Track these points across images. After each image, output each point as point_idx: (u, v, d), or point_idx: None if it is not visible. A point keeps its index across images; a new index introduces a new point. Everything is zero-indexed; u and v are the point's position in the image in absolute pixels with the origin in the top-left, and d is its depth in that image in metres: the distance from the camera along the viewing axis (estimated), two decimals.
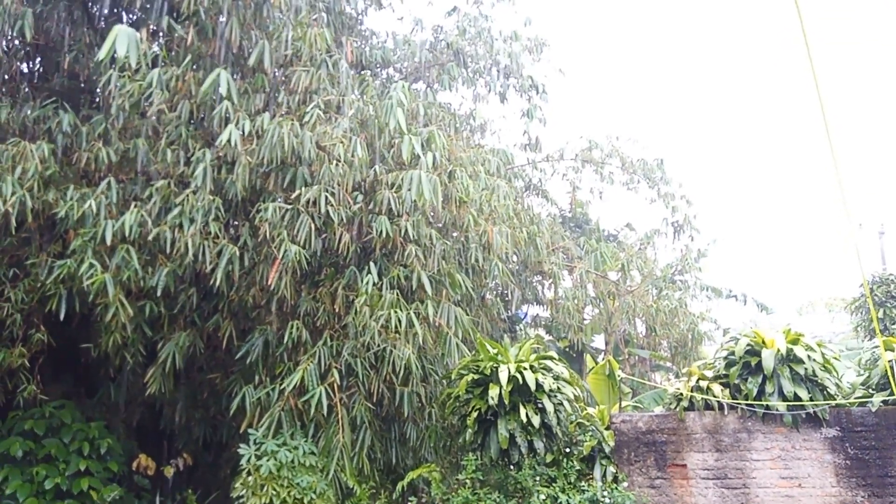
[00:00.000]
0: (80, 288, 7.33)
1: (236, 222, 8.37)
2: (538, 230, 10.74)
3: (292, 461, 7.71)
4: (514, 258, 10.66)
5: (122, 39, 6.41)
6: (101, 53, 6.39)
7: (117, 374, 9.02)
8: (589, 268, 11.61)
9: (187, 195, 7.42)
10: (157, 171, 7.81)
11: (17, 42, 8.84)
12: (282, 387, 7.86)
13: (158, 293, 7.52)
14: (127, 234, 7.17)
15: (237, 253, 7.65)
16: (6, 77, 8.96)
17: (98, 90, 8.68)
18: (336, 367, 7.96)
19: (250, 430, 7.89)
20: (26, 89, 9.00)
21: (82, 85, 9.25)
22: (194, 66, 8.18)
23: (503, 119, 12.19)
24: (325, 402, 7.70)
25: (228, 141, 7.31)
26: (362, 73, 10.15)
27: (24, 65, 9.53)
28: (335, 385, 7.93)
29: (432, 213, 8.62)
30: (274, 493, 7.59)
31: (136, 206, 7.34)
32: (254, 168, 7.82)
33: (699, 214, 13.12)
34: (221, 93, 7.51)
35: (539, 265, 11.05)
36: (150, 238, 7.32)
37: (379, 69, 11.25)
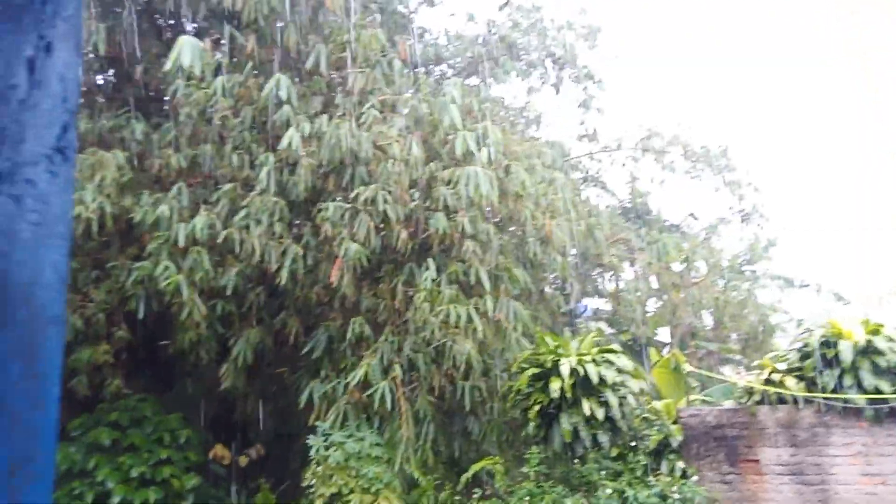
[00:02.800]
0: (156, 288, 7.73)
1: (298, 222, 8.63)
2: (597, 222, 10.58)
3: (359, 452, 7.90)
4: (573, 251, 10.54)
5: (187, 50, 6.71)
6: (168, 64, 6.71)
7: (193, 370, 9.46)
8: (651, 259, 11.34)
9: (253, 198, 7.70)
10: (223, 175, 8.14)
11: (91, 55, 9.39)
12: (346, 381, 8.05)
13: (229, 292, 7.84)
14: (198, 236, 7.51)
15: (301, 252, 7.89)
16: (84, 89, 9.52)
17: (167, 99, 9.11)
18: (398, 362, 8.10)
19: (318, 423, 8.13)
20: (101, 100, 9.53)
21: (152, 94, 9.73)
22: (255, 73, 8.47)
23: (558, 110, 12.07)
24: (388, 396, 7.85)
25: (290, 144, 7.54)
26: (416, 71, 10.25)
27: (99, 77, 10.10)
28: (397, 379, 8.07)
29: (489, 209, 8.63)
30: (342, 482, 7.79)
31: (205, 210, 7.68)
32: (314, 169, 8.04)
33: (767, 202, 12.61)
34: (281, 97, 7.76)
35: (599, 258, 10.88)
36: (219, 240, 7.64)
37: (432, 66, 11.32)
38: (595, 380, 7.78)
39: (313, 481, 7.95)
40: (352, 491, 7.86)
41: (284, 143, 7.49)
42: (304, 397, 8.31)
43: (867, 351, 7.69)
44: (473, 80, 11.16)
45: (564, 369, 7.78)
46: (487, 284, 8.05)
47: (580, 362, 7.91)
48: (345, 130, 7.72)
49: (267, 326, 8.75)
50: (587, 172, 12.84)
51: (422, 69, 9.53)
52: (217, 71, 8.13)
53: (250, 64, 8.34)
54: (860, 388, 7.61)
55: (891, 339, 7.74)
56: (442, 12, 11.86)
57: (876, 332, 7.84)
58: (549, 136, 11.62)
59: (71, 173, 0.87)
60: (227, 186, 7.93)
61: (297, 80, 8.80)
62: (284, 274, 7.73)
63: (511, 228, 9.26)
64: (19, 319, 0.79)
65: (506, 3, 11.85)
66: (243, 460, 9.85)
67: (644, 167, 12.98)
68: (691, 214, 14.11)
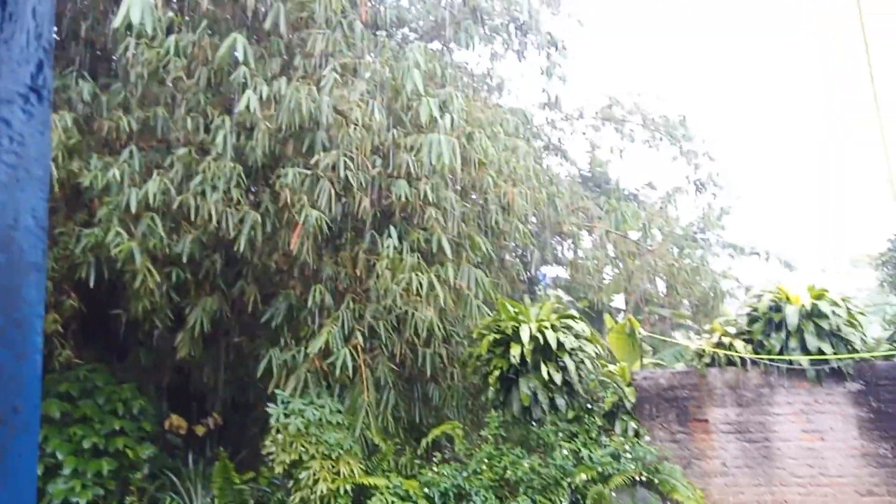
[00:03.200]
0: (107, 256, 7.49)
1: (256, 188, 8.45)
2: (558, 191, 10.68)
3: (319, 419, 7.93)
4: (534, 219, 10.64)
5: (137, 6, 6.39)
6: (117, 21, 6.38)
7: (147, 339, 9.26)
8: (609, 228, 11.55)
9: (209, 162, 7.48)
10: (177, 138, 7.87)
11: None
12: (307, 349, 8.02)
13: (184, 260, 7.66)
14: (151, 202, 7.27)
15: (259, 219, 7.74)
16: None
17: (116, 58, 8.70)
18: (359, 330, 8.10)
19: (277, 391, 8.10)
20: None
21: (100, 53, 9.28)
22: (210, 32, 8.14)
23: (521, 78, 12.02)
24: (349, 364, 7.86)
25: (247, 107, 7.32)
26: (377, 34, 10.03)
27: None
28: (359, 347, 8.08)
29: (451, 176, 8.61)
30: (303, 449, 7.82)
31: (158, 175, 7.43)
32: (272, 134, 7.83)
33: (722, 171, 12.92)
34: (238, 58, 7.49)
35: (558, 226, 11.02)
36: (173, 206, 7.42)
37: (394, 29, 11.09)
38: (554, 345, 7.95)
39: (273, 449, 7.95)
40: (312, 457, 7.90)
41: (241, 105, 7.27)
42: (262, 366, 8.24)
43: (812, 315, 8.05)
44: (436, 45, 11.00)
45: (524, 335, 7.91)
46: (449, 252, 8.07)
47: (540, 328, 8.06)
48: (304, 94, 7.53)
49: (224, 294, 8.60)
50: (549, 141, 12.90)
51: (383, 32, 9.31)
52: (169, 29, 7.78)
53: (205, 22, 8.00)
54: (804, 350, 7.99)
55: (834, 304, 8.12)
56: None
57: (820, 297, 8.20)
58: (511, 103, 11.60)
59: (47, 115, 0.84)
60: (182, 150, 7.67)
61: (254, 40, 8.51)
62: (242, 241, 7.58)
63: (473, 196, 9.27)
64: None
65: None
66: (200, 429, 9.76)
67: (604, 136, 13.12)
68: (649, 184, 14.39)
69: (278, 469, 7.90)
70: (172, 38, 7.50)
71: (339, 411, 8.10)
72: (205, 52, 7.90)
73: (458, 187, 8.84)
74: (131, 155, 7.55)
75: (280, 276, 8.48)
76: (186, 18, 8.32)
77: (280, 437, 7.92)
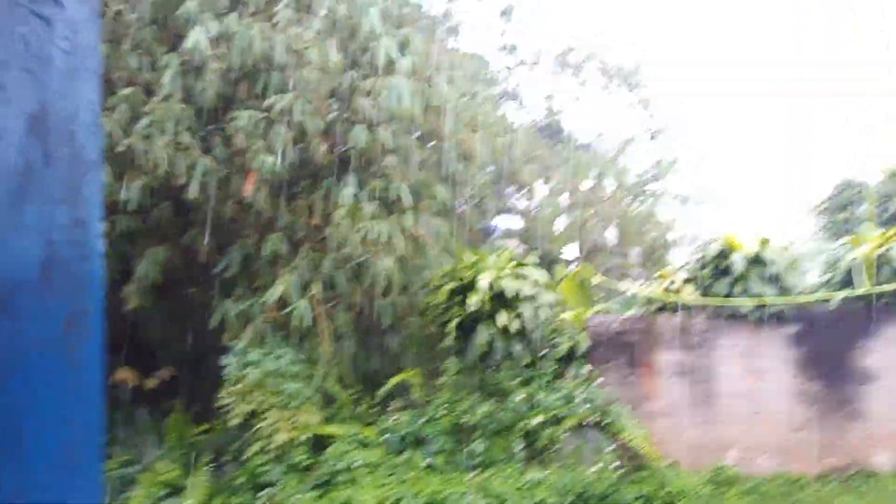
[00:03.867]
0: None
1: (208, 132, 8.05)
2: (515, 139, 10.65)
3: (277, 370, 7.86)
4: (491, 168, 10.60)
5: None
6: None
7: None
8: (564, 177, 11.64)
9: (156, 104, 7.07)
10: (121, 78, 7.37)
11: None
12: (263, 299, 7.87)
13: (131, 207, 7.30)
14: None
15: (211, 164, 7.42)
16: None
17: None
18: (317, 280, 7.98)
19: (233, 343, 7.96)
20: None
21: None
22: None
23: (478, 20, 11.78)
24: (307, 314, 7.76)
25: (195, 45, 6.91)
26: None
27: None
28: (316, 297, 7.98)
29: (410, 122, 8.43)
30: (260, 399, 7.76)
31: (103, 115, 6.96)
32: (224, 74, 7.45)
33: (676, 119, 13.12)
34: None
35: (515, 175, 11.03)
36: (118, 150, 7.01)
37: None
38: (511, 293, 8.05)
39: (230, 400, 7.86)
40: (270, 408, 7.85)
41: (189, 43, 6.85)
42: (217, 317, 8.06)
43: (756, 261, 8.40)
44: None
45: (483, 283, 7.97)
46: (408, 200, 7.97)
47: (498, 277, 8.13)
48: (256, 31, 7.15)
49: (175, 244, 8.29)
50: (505, 87, 12.77)
51: None
52: None
53: None
54: (748, 294, 8.35)
55: (777, 251, 8.48)
56: None
57: (765, 243, 8.55)
58: (468, 47, 11.36)
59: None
60: (127, 91, 7.20)
61: None
62: (194, 187, 7.27)
63: (432, 143, 9.13)
64: (61, 158, 0.74)
65: None
66: (151, 383, 9.54)
67: (560, 83, 13.06)
68: (602, 134, 14.52)
69: (235, 420, 7.83)
70: None
71: (297, 362, 8.04)
72: None
73: (418, 134, 8.69)
74: None
75: (234, 225, 8.21)
76: None
77: (237, 388, 7.82)
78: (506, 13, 10.80)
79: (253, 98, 7.60)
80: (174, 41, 7.51)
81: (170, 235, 8.16)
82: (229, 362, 7.87)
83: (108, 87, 7.40)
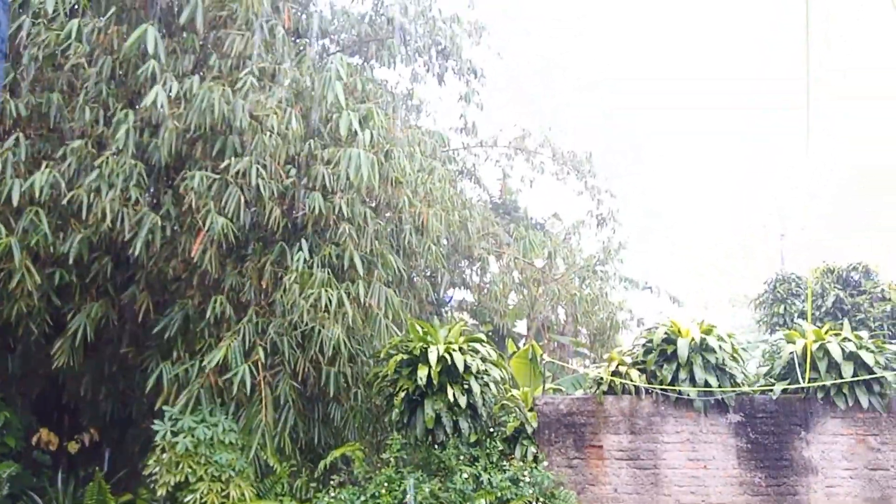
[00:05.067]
0: None
1: (158, 189, 7.93)
2: (470, 215, 10.81)
3: (211, 438, 7.48)
4: (445, 241, 10.69)
5: None
6: None
7: (18, 345, 8.39)
8: (517, 254, 11.80)
9: (107, 157, 6.94)
10: (72, 129, 7.25)
11: None
12: (202, 363, 7.58)
13: (70, 260, 7.03)
14: (36, 195, 6.64)
15: (159, 222, 7.26)
16: None
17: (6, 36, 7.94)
18: (261, 345, 7.75)
19: (165, 407, 7.58)
20: None
21: None
22: (119, 20, 7.63)
23: (440, 101, 12.14)
24: (248, 381, 7.48)
25: (154, 102, 6.88)
26: (298, 41, 9.81)
27: None
28: (259, 363, 7.72)
29: (367, 192, 8.48)
30: (190, 470, 7.34)
31: (48, 166, 6.80)
32: (180, 133, 7.41)
33: (623, 208, 13.61)
34: (148, 50, 7.05)
35: (469, 249, 11.13)
36: (63, 201, 6.81)
37: (316, 39, 10.89)
38: (461, 368, 7.95)
39: (156, 469, 7.41)
40: (200, 479, 7.44)
41: (148, 100, 6.82)
42: (152, 379, 7.69)
43: (701, 348, 8.55)
44: (357, 60, 10.89)
45: (432, 356, 7.86)
46: (361, 269, 7.92)
47: (448, 350, 8.04)
48: (218, 95, 7.19)
49: (112, 300, 7.97)
50: (463, 165, 13.09)
51: (305, 40, 9.09)
52: (73, 12, 7.22)
53: (114, 9, 7.49)
54: (693, 381, 8.45)
55: (720, 339, 8.66)
56: None
57: (709, 332, 8.73)
58: (429, 125, 11.66)
59: None
60: (77, 142, 7.07)
61: (167, 34, 8.06)
62: (138, 244, 7.07)
63: (387, 214, 9.18)
64: None
65: None
66: (73, 447, 8.96)
67: (516, 165, 13.47)
68: (555, 215, 14.90)
69: (161, 491, 7.36)
70: (75, 21, 6.95)
71: (233, 430, 7.68)
72: (111, 41, 7.39)
73: (374, 204, 8.73)
74: (17, 142, 6.88)
75: (177, 285, 7.96)
76: (93, 2, 7.76)
77: (165, 456, 7.40)
78: (465, 98, 11.21)
79: (208, 159, 7.55)
80: (132, 98, 7.48)
81: (108, 291, 7.86)
82: (160, 428, 7.47)
83: (59, 139, 7.27)
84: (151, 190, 7.81)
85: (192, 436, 7.42)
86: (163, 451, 7.44)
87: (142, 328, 8.23)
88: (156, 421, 7.49)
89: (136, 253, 7.09)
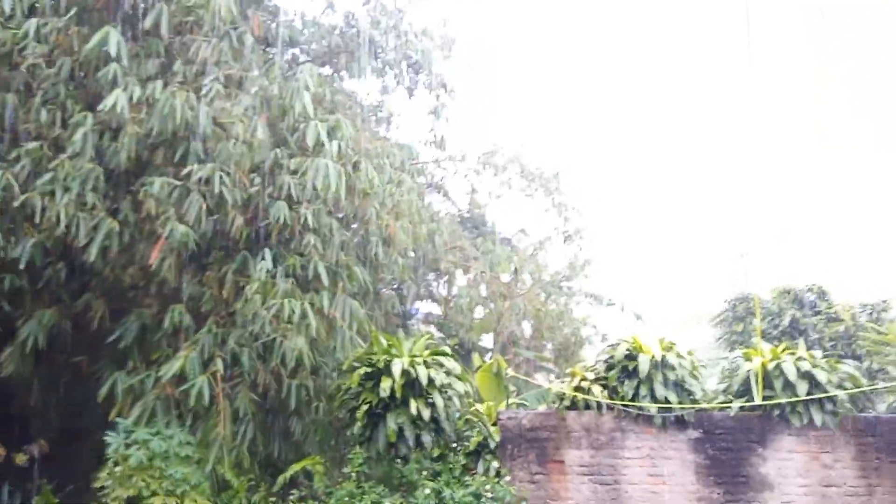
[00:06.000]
0: None
1: (117, 195, 7.73)
2: (437, 228, 10.81)
3: (165, 451, 7.27)
4: (412, 254, 10.66)
5: None
6: None
7: None
8: (483, 268, 11.83)
9: (63, 161, 6.76)
10: (27, 131, 7.05)
11: None
12: (158, 374, 7.40)
13: (21, 266, 6.80)
14: None
15: (116, 228, 7.09)
16: None
17: None
18: (220, 356, 7.59)
19: (119, 419, 7.36)
20: None
21: None
22: (80, 21, 7.46)
23: (409, 114, 12.16)
24: (206, 393, 7.31)
25: (114, 106, 6.74)
26: (267, 50, 9.74)
27: None
28: (218, 375, 7.56)
29: (334, 203, 8.41)
30: (143, 484, 7.12)
31: (1, 167, 6.58)
32: (141, 138, 7.26)
33: (589, 225, 13.79)
34: (109, 53, 6.90)
35: (436, 263, 11.12)
36: (15, 204, 6.60)
37: (285, 48, 10.83)
38: (425, 381, 7.90)
39: (109, 482, 7.17)
40: (154, 493, 7.21)
41: (108, 103, 6.68)
42: (105, 390, 7.47)
43: (661, 365, 8.64)
44: (327, 70, 10.86)
45: (396, 369, 7.80)
46: (326, 280, 7.83)
47: (412, 363, 7.98)
48: (181, 101, 7.07)
49: (66, 307, 7.74)
50: (432, 178, 13.11)
51: (274, 49, 9.03)
52: (31, 11, 7.04)
53: (74, 10, 7.32)
54: (653, 397, 8.53)
55: (680, 356, 8.78)
56: None
57: (669, 348, 8.85)
58: (398, 138, 11.66)
59: None
60: (32, 145, 6.87)
61: (130, 37, 7.90)
62: (94, 250, 6.89)
63: (354, 225, 9.12)
64: None
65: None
66: (21, 458, 8.65)
67: (484, 180, 13.56)
68: (522, 230, 15.00)
69: None
70: (33, 21, 6.78)
71: (190, 443, 7.49)
72: (70, 42, 7.22)
73: (340, 215, 8.67)
74: None
75: (134, 293, 7.77)
76: (53, 3, 7.57)
77: (118, 469, 7.17)
78: (435, 112, 11.26)
79: (170, 165, 7.42)
80: (91, 101, 7.30)
81: (61, 298, 7.62)
82: (112, 440, 7.25)
83: (12, 140, 7.05)
84: (110, 195, 7.61)
85: (147, 448, 7.21)
86: (115, 464, 7.22)
87: (96, 337, 7.99)
88: (109, 433, 7.26)
89: (92, 259, 6.90)
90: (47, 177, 6.70)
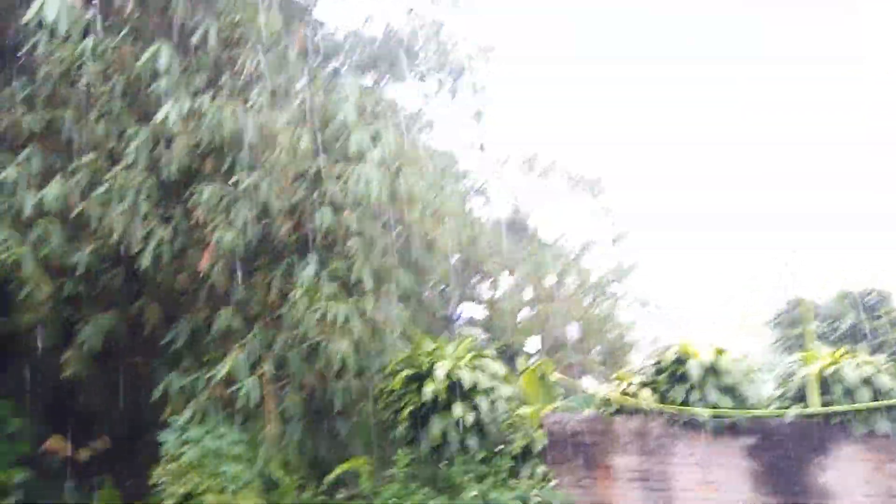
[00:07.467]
0: None
1: (169, 203, 8.03)
2: (480, 232, 10.80)
3: (217, 450, 7.48)
4: (455, 258, 10.68)
5: (52, 2, 6.06)
6: (29, 14, 6.01)
7: (31, 353, 8.50)
8: (528, 272, 11.75)
9: (118, 172, 7.07)
10: (85, 143, 7.40)
11: None
12: (209, 375, 7.61)
13: (80, 272, 7.14)
14: (48, 206, 6.78)
15: (168, 235, 7.36)
16: None
17: (22, 53, 8.13)
18: (268, 358, 7.77)
19: (173, 418, 7.62)
20: None
21: (8, 44, 8.67)
22: (132, 39, 7.79)
23: (450, 119, 12.22)
24: (254, 393, 7.50)
25: (166, 119, 7.01)
26: (310, 61, 9.94)
27: None
28: (266, 376, 7.74)
29: (377, 209, 8.52)
30: (197, 481, 7.33)
31: (60, 179, 6.94)
32: (191, 149, 7.52)
33: (634, 228, 13.54)
34: (160, 68, 7.19)
35: (479, 266, 11.12)
36: (74, 213, 6.93)
37: (328, 60, 11.05)
38: (468, 384, 7.89)
39: (164, 479, 7.42)
40: (206, 490, 7.42)
41: (160, 116, 6.96)
42: (159, 390, 7.75)
43: (713, 370, 8.39)
44: (368, 79, 11.02)
45: (440, 373, 7.81)
46: (369, 284, 7.93)
47: (455, 366, 7.99)
48: (229, 112, 7.30)
49: (122, 312, 8.07)
50: (474, 183, 13.12)
51: (318, 59, 9.23)
52: (87, 31, 7.39)
53: (127, 28, 7.66)
54: (705, 402, 8.28)
55: (733, 361, 8.50)
56: (341, 6, 11.59)
57: (721, 353, 8.58)
58: (440, 143, 11.73)
59: None
60: (89, 156, 7.22)
61: (180, 52, 8.21)
62: (147, 257, 7.18)
63: (397, 230, 9.21)
64: None
65: (410, 11, 11.77)
66: (83, 454, 9.03)
67: (527, 184, 13.48)
68: (564, 234, 14.85)
69: (168, 501, 7.36)
70: (90, 39, 7.12)
71: (240, 442, 7.68)
72: (124, 59, 7.55)
73: (383, 220, 8.77)
74: (31, 155, 7.03)
75: (186, 297, 8.04)
76: (107, 22, 7.93)
77: (173, 466, 7.41)
78: (476, 117, 11.28)
79: (219, 174, 7.65)
80: (144, 114, 7.61)
81: (117, 303, 7.95)
82: (167, 438, 7.51)
83: (72, 152, 7.41)
84: (162, 204, 7.91)
85: (199, 447, 7.43)
86: (170, 461, 7.46)
87: (151, 339, 8.31)
88: (163, 431, 7.53)
89: (146, 265, 7.18)
90: (103, 187, 7.02)
